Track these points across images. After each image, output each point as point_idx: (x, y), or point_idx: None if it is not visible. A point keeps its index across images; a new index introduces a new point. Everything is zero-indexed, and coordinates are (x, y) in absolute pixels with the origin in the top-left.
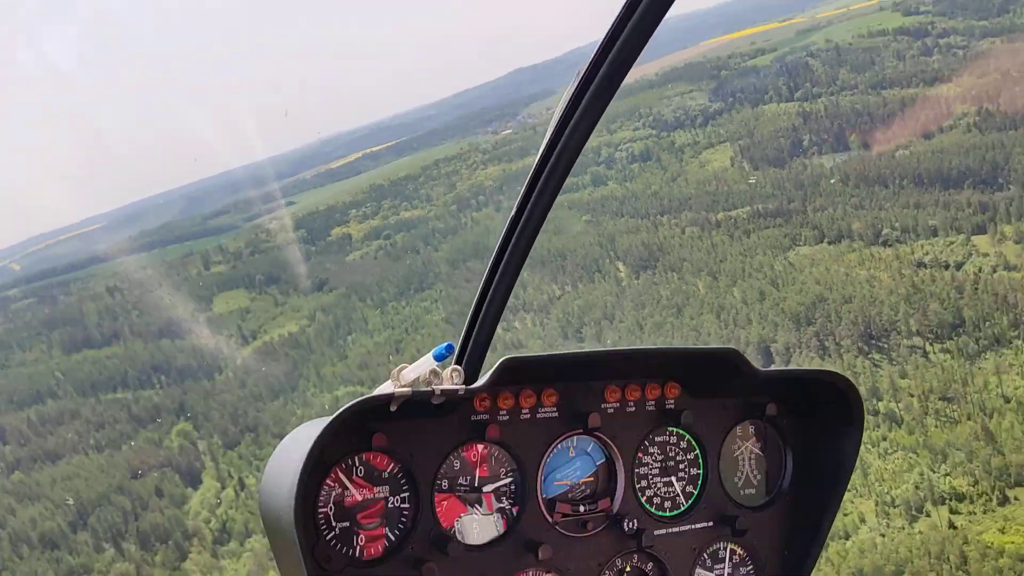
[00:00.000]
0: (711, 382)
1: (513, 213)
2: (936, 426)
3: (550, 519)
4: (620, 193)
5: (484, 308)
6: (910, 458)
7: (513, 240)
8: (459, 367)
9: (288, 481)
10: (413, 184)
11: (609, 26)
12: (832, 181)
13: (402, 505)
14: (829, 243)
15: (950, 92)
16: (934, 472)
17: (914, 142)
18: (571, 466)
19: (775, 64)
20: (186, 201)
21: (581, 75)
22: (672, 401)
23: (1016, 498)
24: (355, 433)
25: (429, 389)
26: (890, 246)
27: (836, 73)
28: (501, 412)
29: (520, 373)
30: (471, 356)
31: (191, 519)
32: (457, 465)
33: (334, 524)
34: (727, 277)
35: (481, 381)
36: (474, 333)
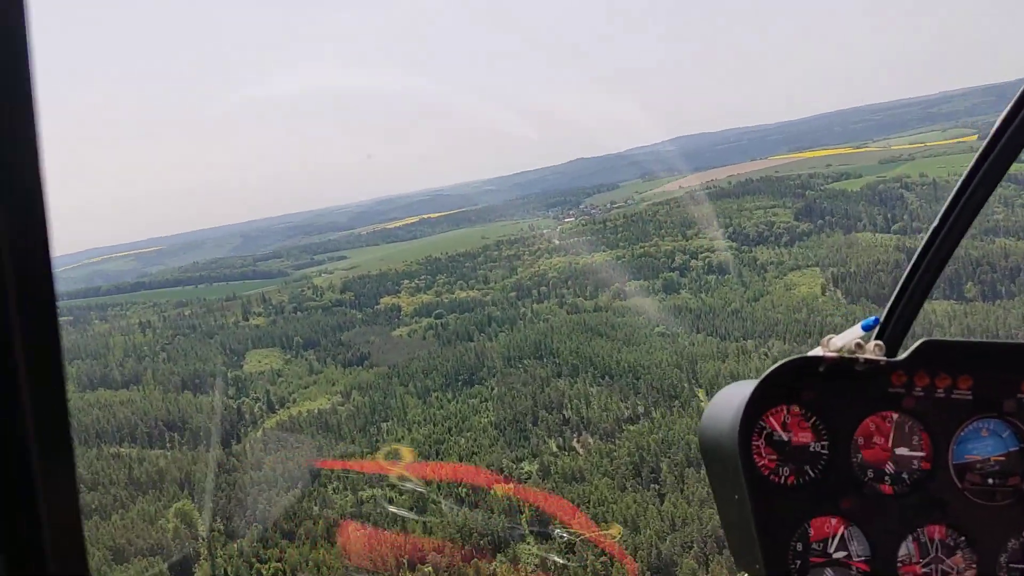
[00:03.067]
0: None
1: (953, 193)
2: None
3: (959, 485)
4: (695, 305)
5: (911, 287)
6: None
7: (950, 221)
8: (880, 342)
9: (730, 418)
10: (471, 262)
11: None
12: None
13: (821, 451)
14: None
15: None
16: None
17: None
18: (983, 443)
19: (866, 191)
20: (241, 239)
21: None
22: None
23: None
24: (785, 388)
25: (854, 357)
26: None
27: (936, 210)
28: (916, 389)
29: (938, 355)
30: (892, 333)
31: None
32: (873, 427)
33: (764, 456)
34: None
35: (900, 358)
36: (898, 311)
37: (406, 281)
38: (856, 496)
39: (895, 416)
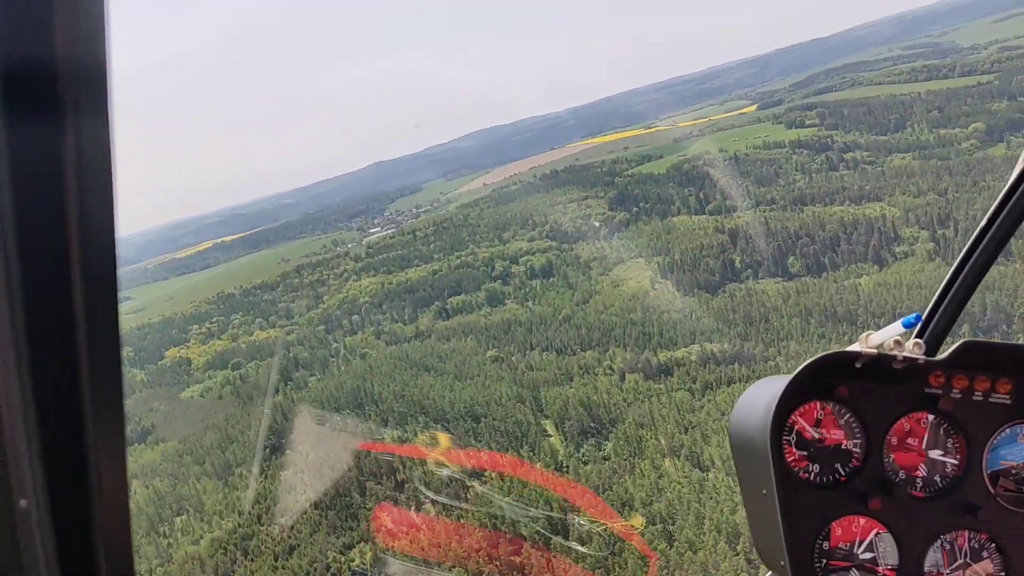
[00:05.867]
0: None
1: (1003, 194)
2: None
3: (992, 490)
4: (524, 317)
5: (954, 288)
6: None
7: (998, 221)
8: (920, 340)
9: (762, 412)
10: (270, 294)
11: None
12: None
13: (853, 449)
14: None
15: (887, 212)
16: None
17: (868, 270)
18: (1018, 448)
19: (672, 172)
20: None
21: None
22: None
23: None
24: (819, 384)
25: (892, 354)
26: None
27: (743, 185)
28: (954, 390)
29: (978, 357)
30: (932, 332)
31: None
32: (907, 427)
33: (795, 452)
34: (724, 465)
35: (940, 357)
36: (939, 311)
37: (195, 326)
38: (886, 497)
39: (930, 418)
